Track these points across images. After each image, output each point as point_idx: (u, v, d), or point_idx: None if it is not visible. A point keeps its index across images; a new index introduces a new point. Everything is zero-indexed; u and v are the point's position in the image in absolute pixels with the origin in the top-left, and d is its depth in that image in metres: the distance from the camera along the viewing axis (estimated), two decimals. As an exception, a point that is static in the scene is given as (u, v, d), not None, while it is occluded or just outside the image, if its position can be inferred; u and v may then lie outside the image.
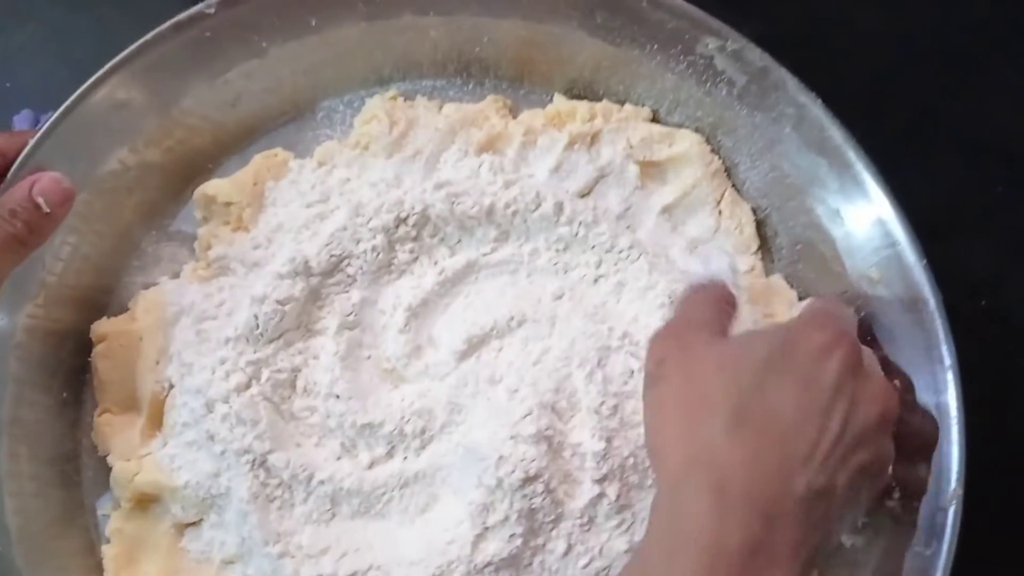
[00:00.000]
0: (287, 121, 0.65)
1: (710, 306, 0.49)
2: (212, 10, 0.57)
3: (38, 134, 0.54)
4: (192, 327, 0.57)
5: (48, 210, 0.51)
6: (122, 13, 0.70)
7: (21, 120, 0.68)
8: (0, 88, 0.70)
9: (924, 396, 0.53)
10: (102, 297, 0.61)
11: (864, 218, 0.57)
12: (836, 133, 0.57)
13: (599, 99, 0.64)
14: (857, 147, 0.56)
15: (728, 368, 0.44)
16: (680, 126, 0.63)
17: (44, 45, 0.71)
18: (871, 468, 0.44)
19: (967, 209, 0.68)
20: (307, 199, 0.60)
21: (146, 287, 0.61)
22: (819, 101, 0.57)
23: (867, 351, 0.47)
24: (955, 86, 0.70)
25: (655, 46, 0.60)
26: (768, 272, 0.62)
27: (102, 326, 0.59)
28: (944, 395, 0.53)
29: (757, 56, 0.58)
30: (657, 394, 0.46)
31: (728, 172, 0.63)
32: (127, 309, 0.60)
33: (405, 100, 0.64)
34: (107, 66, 0.57)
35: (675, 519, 0.41)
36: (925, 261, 0.54)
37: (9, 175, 0.53)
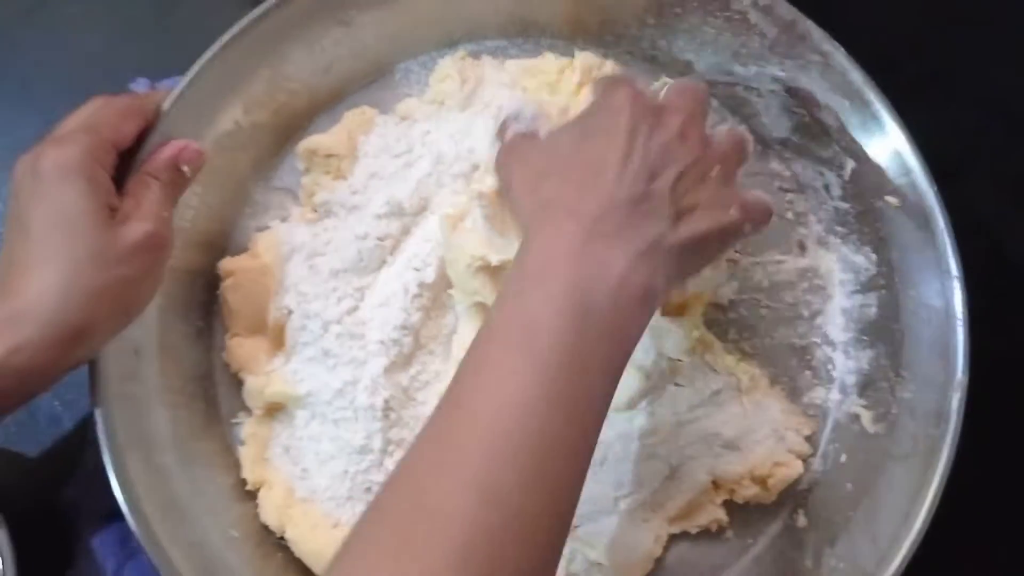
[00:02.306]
0: (370, 82, 0.72)
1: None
2: (312, -15, 0.65)
3: (172, 96, 0.62)
4: (304, 262, 0.66)
5: (189, 176, 0.60)
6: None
7: (138, 87, 0.74)
8: (113, 59, 0.77)
9: (934, 301, 0.61)
10: (222, 240, 0.69)
11: (882, 151, 0.63)
12: (857, 76, 0.63)
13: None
14: (875, 88, 0.63)
15: (550, 142, 0.54)
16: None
17: (153, 21, 0.79)
18: (687, 180, 0.50)
19: (973, 154, 0.74)
20: (394, 150, 0.68)
21: (258, 230, 0.69)
22: (841, 49, 0.63)
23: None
24: (962, 44, 0.76)
25: (694, 3, 0.67)
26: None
27: (229, 263, 0.67)
28: (952, 300, 0.59)
29: (786, 10, 0.64)
30: (506, 167, 0.56)
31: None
32: (243, 250, 0.68)
33: (472, 59, 0.70)
34: (225, 37, 0.64)
35: (526, 243, 0.49)
36: (936, 187, 0.61)
37: (150, 136, 0.61)
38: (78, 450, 0.67)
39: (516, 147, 0.56)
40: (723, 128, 0.54)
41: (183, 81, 0.63)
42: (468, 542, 0.41)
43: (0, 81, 0.77)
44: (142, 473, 0.59)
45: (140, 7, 0.79)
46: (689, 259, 0.51)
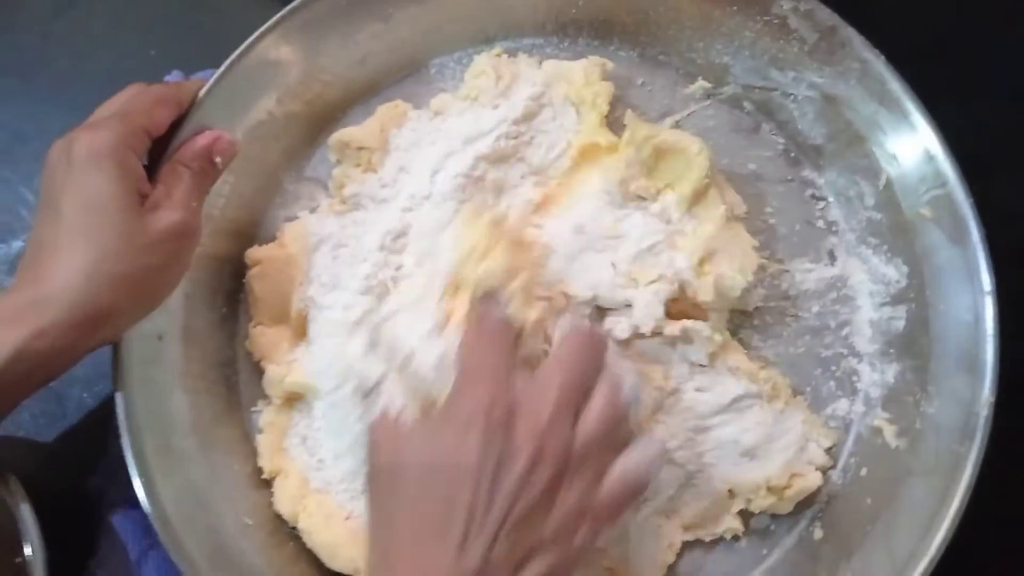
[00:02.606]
0: (404, 76, 0.72)
1: None
2: (350, -21, 0.66)
3: (207, 86, 0.63)
4: (329, 253, 0.66)
5: (221, 167, 0.62)
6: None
7: (172, 80, 0.75)
8: (146, 55, 0.78)
9: (964, 316, 0.60)
10: (251, 229, 0.69)
11: (918, 161, 0.63)
12: (896, 85, 0.63)
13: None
14: (915, 98, 0.62)
15: (405, 459, 0.49)
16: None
17: (184, 17, 0.80)
18: (536, 515, 0.47)
19: (1007, 148, 0.74)
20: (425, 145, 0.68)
21: (287, 220, 0.69)
22: (882, 57, 0.63)
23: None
24: (994, 39, 0.76)
25: (734, 7, 0.67)
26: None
27: (256, 252, 0.67)
28: (983, 315, 0.59)
29: (827, 16, 0.64)
30: (369, 463, 0.52)
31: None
32: (271, 239, 0.68)
33: (508, 57, 0.71)
34: (260, 29, 0.65)
35: None
36: (971, 200, 0.60)
37: (184, 124, 0.62)
38: (103, 440, 0.68)
39: (380, 442, 0.51)
40: (598, 403, 0.50)
41: (219, 70, 0.64)
42: None
43: (32, 79, 0.79)
44: (160, 456, 0.60)
45: (171, 4, 0.80)
46: None
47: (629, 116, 0.66)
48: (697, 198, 0.64)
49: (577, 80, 0.68)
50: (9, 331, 0.51)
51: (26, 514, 0.58)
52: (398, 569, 0.48)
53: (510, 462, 0.47)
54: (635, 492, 0.51)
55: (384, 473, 0.50)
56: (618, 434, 0.51)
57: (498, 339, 0.50)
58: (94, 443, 0.68)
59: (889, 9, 0.72)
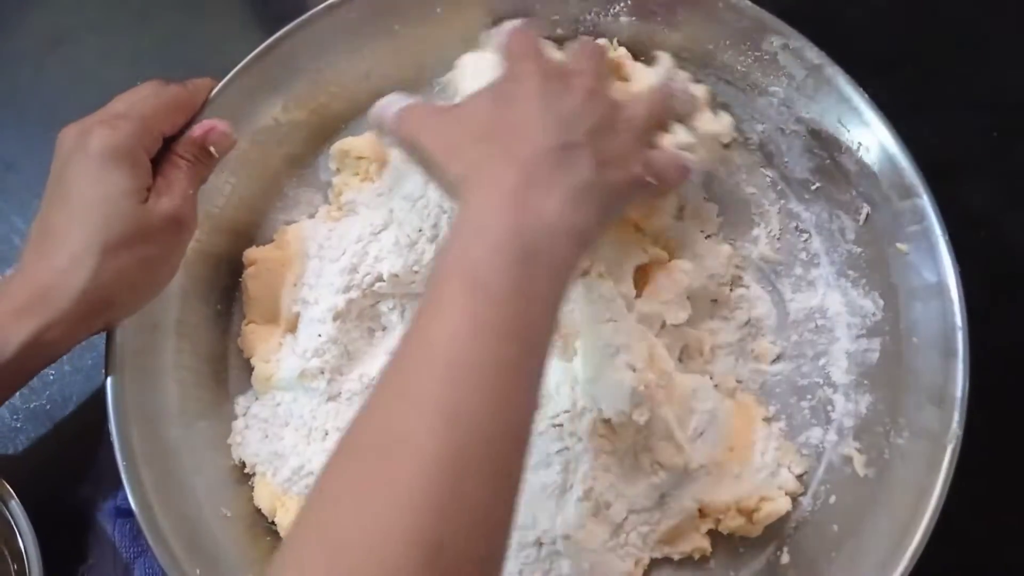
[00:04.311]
0: (408, 93, 0.71)
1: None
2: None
3: (216, 89, 0.65)
4: (319, 255, 0.67)
5: (216, 156, 0.63)
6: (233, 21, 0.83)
7: None
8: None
9: (936, 350, 0.61)
10: (250, 230, 0.71)
11: (898, 198, 0.64)
12: (879, 124, 0.64)
13: None
14: (897, 136, 0.63)
15: (464, 111, 0.58)
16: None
17: (168, 49, 0.82)
18: (601, 133, 0.55)
19: (969, 154, 0.76)
20: (423, 158, 0.70)
21: (287, 223, 0.71)
22: (865, 95, 0.65)
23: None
24: (954, 50, 0.79)
25: (727, 41, 0.69)
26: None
27: (253, 253, 0.69)
28: (955, 352, 0.60)
29: (815, 54, 0.66)
30: (415, 134, 0.59)
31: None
32: (270, 240, 0.71)
33: None
34: (270, 40, 0.67)
35: (466, 197, 0.53)
36: (947, 237, 0.61)
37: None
38: (94, 450, 0.69)
39: (421, 116, 0.60)
40: (641, 99, 0.60)
41: (228, 75, 0.67)
42: (436, 461, 0.42)
43: (26, 110, 0.81)
44: (145, 443, 0.62)
45: (159, 38, 0.83)
46: (610, 204, 0.55)
47: None
48: None
49: None
50: (20, 322, 0.54)
51: (19, 517, 0.61)
52: (489, 172, 0.53)
53: (569, 92, 0.56)
54: (681, 171, 0.61)
55: (444, 132, 0.58)
56: (653, 124, 0.61)
57: (537, 50, 0.60)
58: (84, 454, 0.69)
59: (845, 26, 0.76)
